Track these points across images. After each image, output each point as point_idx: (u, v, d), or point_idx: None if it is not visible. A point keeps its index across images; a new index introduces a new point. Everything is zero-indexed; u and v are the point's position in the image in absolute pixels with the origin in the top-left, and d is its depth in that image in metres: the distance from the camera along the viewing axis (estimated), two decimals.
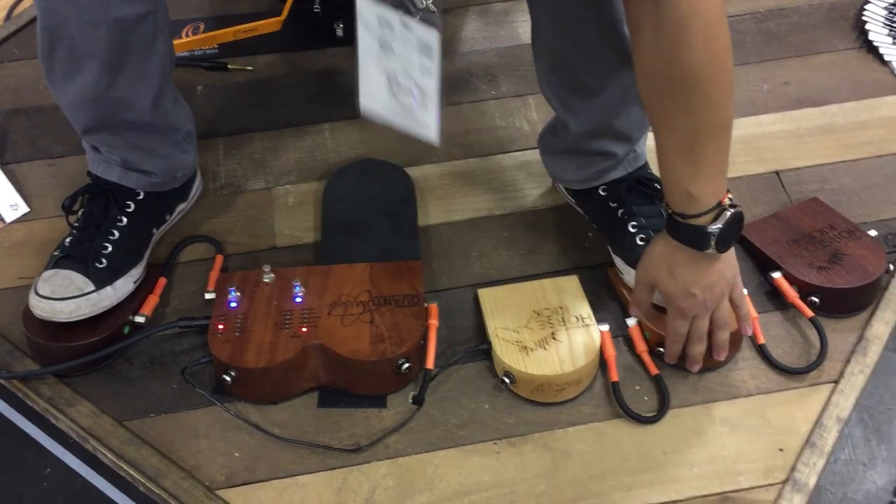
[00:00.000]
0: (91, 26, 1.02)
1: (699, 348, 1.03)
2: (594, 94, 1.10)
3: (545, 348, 1.06)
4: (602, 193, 1.18)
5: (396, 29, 0.96)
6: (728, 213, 0.93)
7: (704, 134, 0.90)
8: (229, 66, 1.48)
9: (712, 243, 0.94)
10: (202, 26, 1.52)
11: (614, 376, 1.06)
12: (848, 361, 1.09)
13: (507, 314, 1.10)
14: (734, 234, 0.95)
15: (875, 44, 1.50)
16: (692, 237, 0.95)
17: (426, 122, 1.00)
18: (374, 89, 1.01)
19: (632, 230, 1.13)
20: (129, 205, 1.16)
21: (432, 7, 0.93)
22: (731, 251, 0.98)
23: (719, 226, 0.93)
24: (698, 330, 1.01)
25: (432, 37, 0.94)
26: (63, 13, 1.02)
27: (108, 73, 1.06)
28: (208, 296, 1.12)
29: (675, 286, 0.99)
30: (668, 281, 0.99)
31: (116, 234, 1.14)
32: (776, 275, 1.14)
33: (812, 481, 0.99)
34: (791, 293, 1.12)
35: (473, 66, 1.49)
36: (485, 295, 1.14)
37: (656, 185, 1.15)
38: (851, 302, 1.13)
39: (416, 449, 1.03)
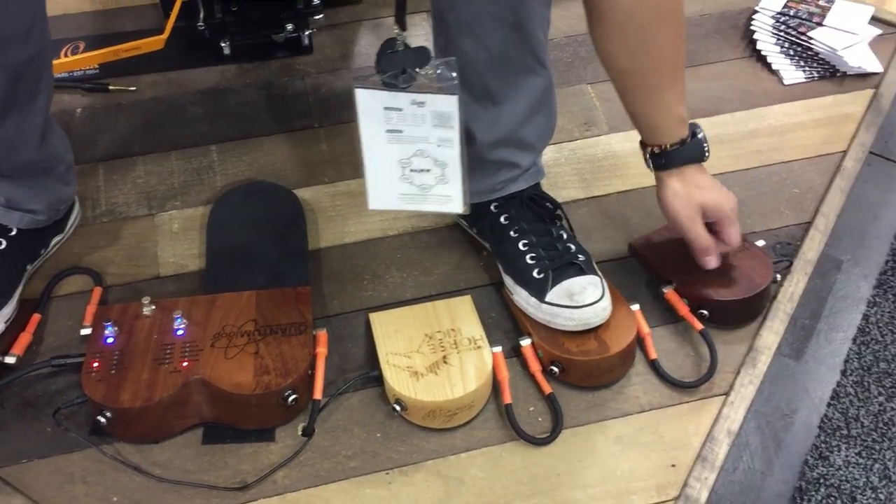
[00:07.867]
0: None
1: None
2: (500, 102, 1.08)
3: (436, 373, 1.03)
4: (494, 210, 1.17)
5: (406, 111, 0.96)
6: (696, 127, 1.09)
7: (681, 59, 1.04)
8: (111, 87, 1.42)
9: (707, 150, 1.08)
10: (82, 45, 1.46)
11: (507, 398, 1.05)
12: (738, 373, 1.09)
13: (398, 339, 1.08)
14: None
15: (763, 53, 1.52)
16: (694, 153, 1.08)
17: (448, 195, 1.01)
18: (385, 183, 1.02)
19: (522, 248, 1.12)
20: (0, 242, 1.10)
21: (446, 72, 0.95)
22: None
23: (702, 134, 1.08)
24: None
25: (450, 103, 0.96)
26: None
27: None
28: (84, 331, 1.07)
29: (714, 192, 1.08)
30: (706, 193, 1.08)
31: None
32: (667, 289, 1.14)
33: (703, 496, 0.99)
34: (682, 307, 1.12)
35: None
36: (376, 319, 1.11)
37: (548, 203, 1.15)
38: (740, 313, 1.13)
39: (305, 483, 0.99)
